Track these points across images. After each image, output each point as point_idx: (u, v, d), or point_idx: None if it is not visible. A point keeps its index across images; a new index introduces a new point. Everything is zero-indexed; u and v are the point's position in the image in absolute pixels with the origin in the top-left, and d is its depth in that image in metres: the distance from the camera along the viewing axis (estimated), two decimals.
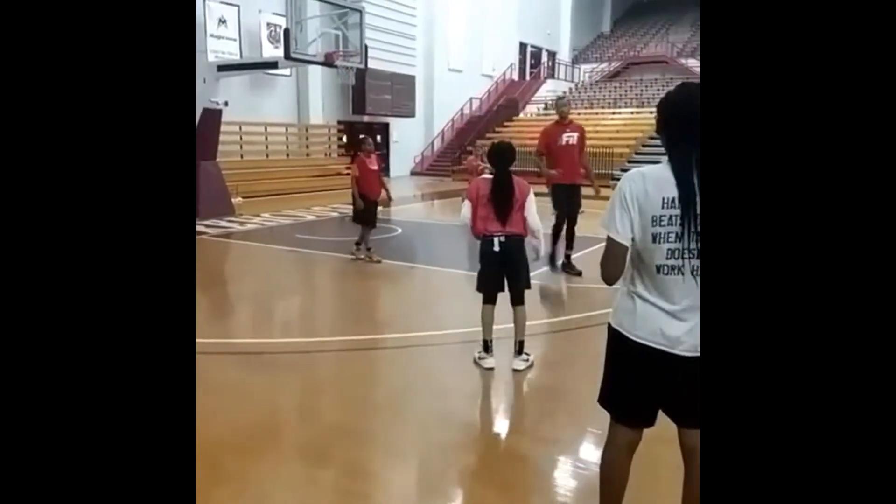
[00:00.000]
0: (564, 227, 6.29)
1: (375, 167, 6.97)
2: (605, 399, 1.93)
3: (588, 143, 6.47)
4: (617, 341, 1.82)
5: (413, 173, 21.50)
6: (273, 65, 10.90)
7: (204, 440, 2.85)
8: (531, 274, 3.88)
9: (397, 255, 7.30)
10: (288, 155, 17.15)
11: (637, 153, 18.49)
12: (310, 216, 11.27)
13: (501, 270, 3.78)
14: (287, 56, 9.15)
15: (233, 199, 11.58)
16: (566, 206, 6.23)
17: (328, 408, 3.32)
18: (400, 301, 6.10)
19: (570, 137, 6.07)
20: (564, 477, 2.67)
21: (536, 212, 3.78)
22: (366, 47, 10.04)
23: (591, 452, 2.86)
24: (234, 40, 14.99)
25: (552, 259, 6.24)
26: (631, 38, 33.18)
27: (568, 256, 6.29)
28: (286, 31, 9.03)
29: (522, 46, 28.64)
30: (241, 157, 15.30)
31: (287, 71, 16.09)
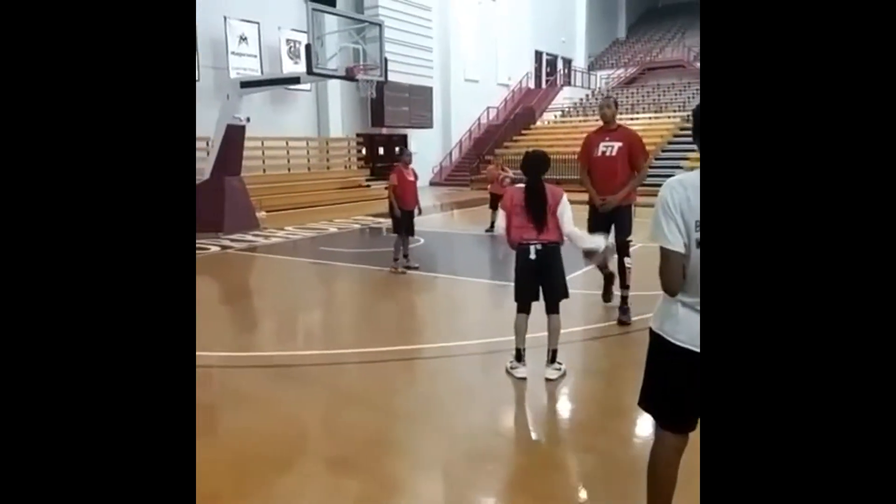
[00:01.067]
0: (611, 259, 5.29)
1: (412, 178, 7.25)
2: (648, 402, 1.96)
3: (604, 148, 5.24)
4: (659, 346, 1.85)
5: (432, 183, 21.62)
6: (295, 80, 11.09)
7: (231, 452, 2.94)
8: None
9: (422, 266, 7.37)
10: (309, 168, 17.37)
11: (657, 158, 18.40)
12: (332, 228, 11.40)
13: (537, 279, 3.80)
14: (310, 71, 9.31)
15: (257, 214, 11.76)
16: (605, 232, 4.88)
17: (356, 419, 3.37)
18: (426, 311, 6.15)
19: (608, 148, 4.93)
20: (604, 485, 2.68)
21: (572, 218, 3.79)
22: (385, 60, 10.16)
23: (629, 460, 2.87)
24: (255, 57, 15.28)
25: (605, 294, 5.51)
26: (647, 44, 33.06)
27: (624, 299, 5.05)
28: (308, 47, 9.20)
29: (538, 54, 28.70)
30: (264, 171, 15.54)
31: (307, 86, 16.32)
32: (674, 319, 1.79)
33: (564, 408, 3.65)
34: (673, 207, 1.71)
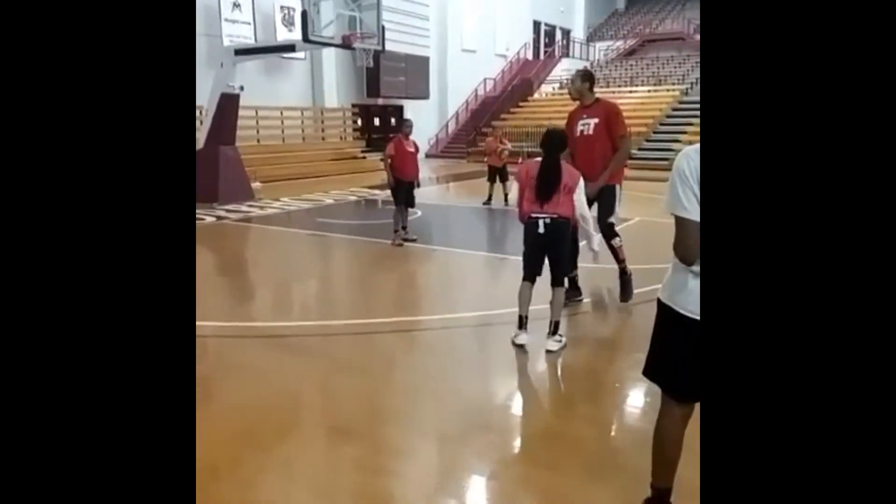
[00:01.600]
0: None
1: (412, 149, 7.18)
2: (654, 372, 1.95)
3: None
4: (667, 317, 1.84)
5: (428, 155, 21.44)
6: (290, 48, 10.86)
7: (228, 422, 2.93)
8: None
9: (419, 238, 7.33)
10: (304, 139, 17.19)
11: (655, 132, 18.30)
12: (328, 200, 11.32)
13: (544, 252, 3.82)
14: (305, 39, 9.12)
15: (252, 184, 11.66)
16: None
17: (354, 389, 3.37)
18: (423, 283, 6.14)
19: (585, 126, 4.52)
20: (607, 455, 2.69)
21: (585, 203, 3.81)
22: (383, 28, 9.97)
23: (634, 430, 2.89)
24: (249, 24, 14.97)
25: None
26: (646, 15, 32.59)
27: (622, 271, 4.79)
28: (304, 14, 9.00)
29: (536, 25, 28.27)
30: (258, 141, 15.37)
31: (301, 55, 16.06)
32: (685, 291, 1.78)
33: (564, 379, 3.66)
34: (690, 175, 1.68)
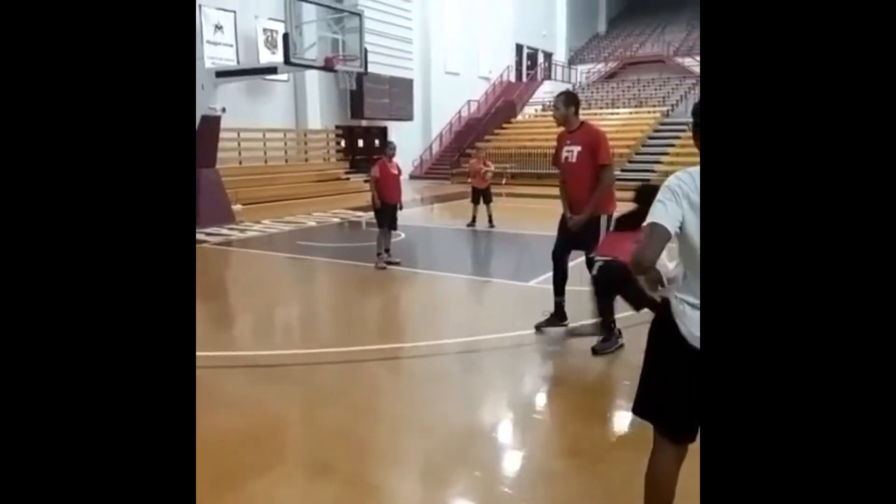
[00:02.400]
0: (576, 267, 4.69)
1: (396, 172, 7.16)
2: (646, 409, 1.86)
3: None
4: (661, 338, 1.77)
5: (412, 177, 21.44)
6: (272, 70, 10.82)
7: (207, 455, 2.79)
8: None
9: (403, 261, 7.23)
10: (287, 161, 17.09)
11: (637, 153, 18.46)
12: (310, 222, 11.20)
13: None
14: (287, 61, 9.09)
15: (233, 207, 11.51)
16: (560, 241, 4.48)
17: (336, 421, 3.25)
18: (407, 309, 6.03)
19: (570, 153, 4.28)
20: (600, 493, 2.59)
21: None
22: (366, 51, 9.97)
23: (625, 465, 2.79)
24: (231, 46, 14.94)
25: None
26: (627, 39, 33.17)
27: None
28: (286, 36, 8.97)
29: (518, 48, 28.62)
30: (240, 163, 15.23)
31: (284, 76, 16.03)
32: (685, 319, 1.70)
33: (552, 409, 3.56)
34: (680, 193, 1.63)
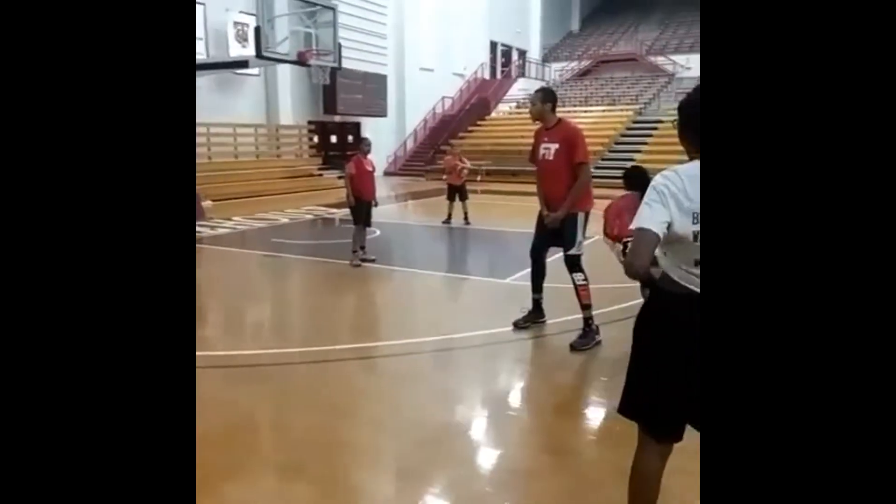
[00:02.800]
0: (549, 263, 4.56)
1: (371, 168, 7.13)
2: (633, 408, 1.83)
3: None
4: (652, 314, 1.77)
5: (386, 173, 21.31)
6: (244, 64, 10.61)
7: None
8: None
9: (378, 258, 7.15)
10: (258, 156, 16.84)
11: (610, 150, 18.62)
12: (283, 219, 11.03)
13: None
14: (259, 55, 8.90)
15: (202, 203, 11.28)
16: (537, 238, 4.45)
17: (310, 422, 3.17)
18: (382, 307, 5.95)
19: (547, 150, 4.23)
20: (584, 490, 2.56)
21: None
22: (339, 46, 9.83)
23: (608, 464, 2.76)
24: (201, 39, 14.62)
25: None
26: (600, 37, 33.42)
27: (585, 321, 4.23)
28: (258, 30, 8.80)
29: (493, 45, 28.61)
30: (209, 158, 14.95)
31: (255, 70, 15.77)
32: (672, 285, 1.70)
33: (532, 407, 3.53)
34: (668, 193, 1.61)
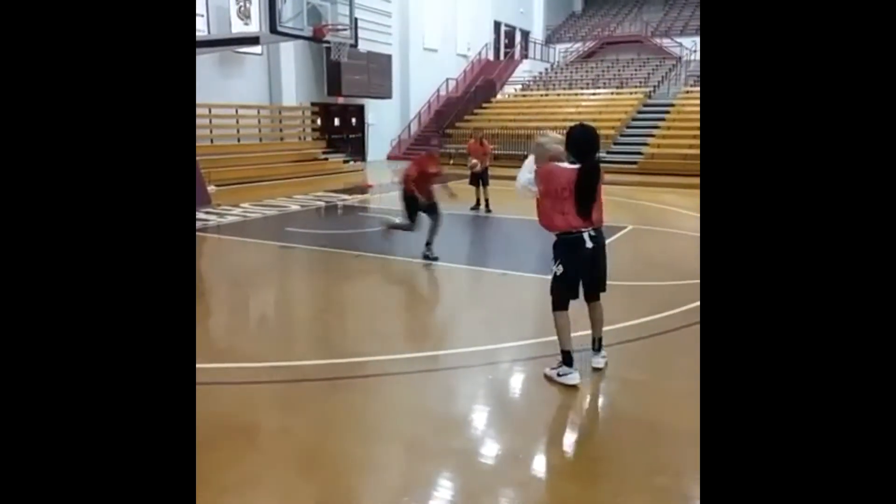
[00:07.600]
0: None
1: (436, 170, 6.37)
2: None
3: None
4: None
5: (390, 157, 20.70)
6: (254, 40, 9.97)
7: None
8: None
9: (399, 250, 6.64)
10: (261, 139, 16.19)
11: (622, 135, 18.10)
12: (294, 206, 10.48)
13: (590, 270, 3.41)
14: (273, 30, 8.30)
15: (207, 188, 10.70)
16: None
17: (354, 450, 2.71)
18: (411, 309, 5.47)
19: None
20: None
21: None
22: (355, 21, 9.23)
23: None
24: (202, 16, 13.89)
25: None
26: (604, 18, 32.72)
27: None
28: (271, 3, 8.18)
29: (497, 25, 27.88)
30: (212, 141, 14.31)
31: (258, 49, 15.10)
32: None
33: (556, 429, 3.07)
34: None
